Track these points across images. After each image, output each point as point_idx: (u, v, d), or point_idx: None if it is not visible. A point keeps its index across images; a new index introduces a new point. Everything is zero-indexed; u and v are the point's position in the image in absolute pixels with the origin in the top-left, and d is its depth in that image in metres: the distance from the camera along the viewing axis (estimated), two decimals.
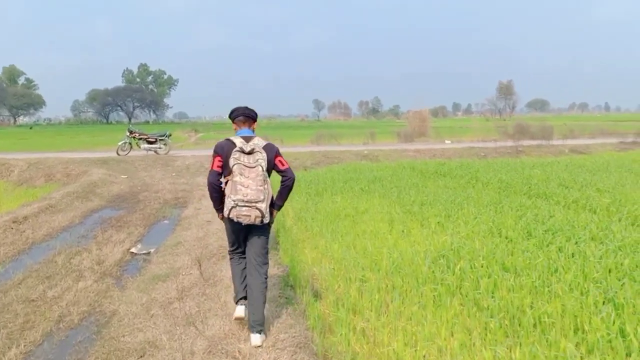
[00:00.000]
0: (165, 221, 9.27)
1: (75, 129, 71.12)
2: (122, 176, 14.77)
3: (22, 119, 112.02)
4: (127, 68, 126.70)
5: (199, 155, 18.15)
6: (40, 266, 6.16)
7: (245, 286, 4.02)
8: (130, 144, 18.21)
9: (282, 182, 3.91)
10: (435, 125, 44.90)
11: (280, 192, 3.93)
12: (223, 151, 3.80)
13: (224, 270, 5.73)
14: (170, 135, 18.89)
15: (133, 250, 7.12)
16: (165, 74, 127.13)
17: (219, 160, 3.81)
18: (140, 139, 18.19)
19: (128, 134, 18.24)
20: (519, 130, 24.07)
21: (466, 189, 9.80)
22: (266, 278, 3.98)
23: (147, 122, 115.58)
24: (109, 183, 13.56)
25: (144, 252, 7.03)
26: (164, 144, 18.40)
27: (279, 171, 3.91)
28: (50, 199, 10.71)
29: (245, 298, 4.04)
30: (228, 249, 4.22)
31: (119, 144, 18.26)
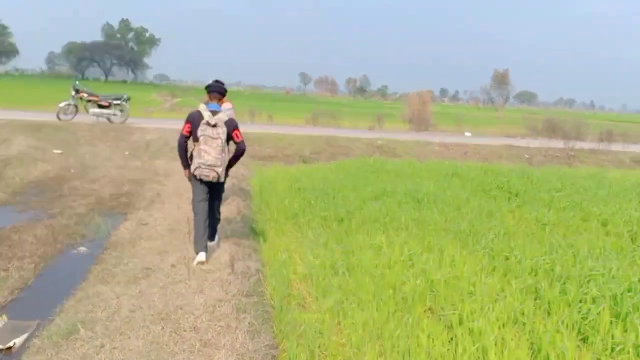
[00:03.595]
0: (82, 249, 5.49)
1: (46, 82, 65.55)
2: (56, 151, 10.80)
3: None
4: (107, 22, 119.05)
5: (165, 128, 14.15)
6: None
7: (206, 238, 4.93)
8: (76, 106, 13.94)
9: (236, 150, 4.98)
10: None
11: (233, 158, 5.00)
12: (194, 120, 4.77)
13: None
14: (129, 99, 14.56)
15: None
16: (148, 32, 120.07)
17: (189, 127, 4.81)
18: (90, 101, 13.92)
19: (74, 93, 13.87)
20: (549, 126, 20.66)
21: (578, 230, 6.19)
22: (219, 218, 5.38)
23: (125, 82, 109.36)
24: (31, 161, 9.62)
25: None
26: (121, 110, 14.20)
27: (235, 142, 4.93)
28: None
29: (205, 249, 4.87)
30: (193, 199, 5.03)
31: (61, 105, 13.98)
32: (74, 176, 9.14)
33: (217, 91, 4.91)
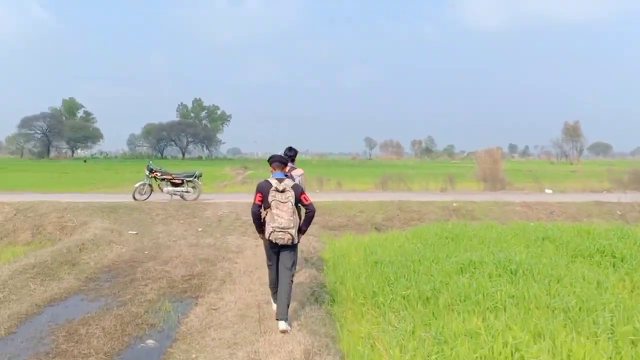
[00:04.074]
0: (149, 341, 5.16)
1: (126, 163, 69.96)
2: (131, 232, 10.94)
3: (80, 152, 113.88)
4: (181, 103, 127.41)
5: (237, 202, 14.17)
6: None
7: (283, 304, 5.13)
8: (150, 185, 14.43)
9: (306, 213, 5.29)
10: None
11: (304, 221, 5.33)
12: (263, 190, 5.22)
13: None
14: (200, 175, 14.88)
15: None
16: (219, 109, 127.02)
17: (260, 196, 5.23)
18: (163, 179, 14.34)
19: (147, 172, 14.37)
20: (636, 178, 18.94)
21: None
22: (292, 280, 5.31)
23: (200, 158, 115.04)
24: (105, 244, 9.73)
25: None
26: (193, 187, 14.48)
27: (303, 205, 5.24)
28: None
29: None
30: (267, 262, 5.58)
31: (136, 185, 14.47)
32: (147, 257, 9.10)
33: (277, 161, 5.40)
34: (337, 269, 7.54)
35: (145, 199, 14.10)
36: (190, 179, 14.39)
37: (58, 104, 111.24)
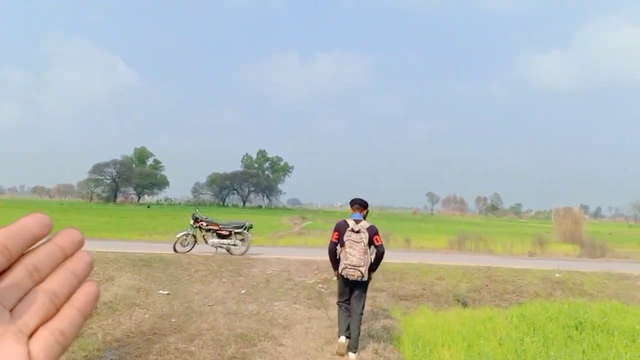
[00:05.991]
0: None
1: (190, 209, 70.43)
2: (161, 291, 9.13)
3: (146, 198, 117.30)
4: (246, 153, 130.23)
5: (290, 259, 12.14)
6: None
7: (348, 326, 5.73)
8: (194, 236, 12.62)
9: (376, 253, 5.68)
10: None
11: (375, 260, 5.68)
12: (340, 228, 5.70)
13: None
14: (251, 227, 12.88)
15: None
16: (282, 160, 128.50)
17: (337, 235, 5.71)
18: (209, 230, 12.51)
19: (192, 222, 12.60)
20: None
21: None
22: (362, 314, 5.82)
23: (260, 207, 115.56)
24: (126, 307, 7.94)
25: None
26: (242, 240, 12.49)
27: (374, 245, 5.64)
28: None
29: (346, 335, 5.71)
30: (337, 300, 6.02)
31: (178, 235, 12.65)
32: (172, 328, 7.18)
33: (357, 203, 5.91)
34: None
35: (187, 252, 12.34)
36: (239, 230, 12.52)
37: (130, 153, 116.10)
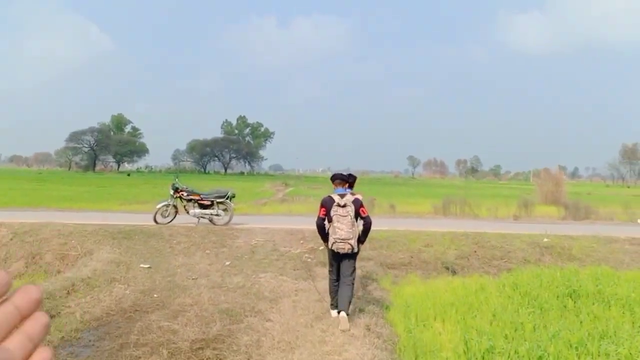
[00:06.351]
0: None
1: (170, 177, 69.57)
2: (142, 265, 8.80)
3: (126, 166, 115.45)
4: (226, 120, 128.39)
5: (275, 228, 11.85)
6: None
7: (337, 301, 5.85)
8: (175, 206, 12.18)
9: (363, 225, 5.83)
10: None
11: (362, 232, 5.85)
12: (327, 204, 5.83)
13: None
14: (233, 196, 12.51)
15: None
16: (262, 126, 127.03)
17: (324, 211, 5.82)
18: (190, 200, 12.06)
19: (172, 192, 12.08)
20: None
21: None
22: (353, 283, 5.92)
23: (242, 173, 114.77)
24: (105, 283, 7.61)
25: None
26: (224, 210, 12.13)
27: (361, 217, 5.82)
28: None
29: (337, 306, 5.87)
30: (328, 269, 6.26)
31: (159, 206, 12.15)
32: (154, 304, 6.89)
33: (339, 178, 6.09)
34: (417, 349, 5.05)
35: (168, 223, 11.95)
36: (222, 200, 12.13)
37: (107, 120, 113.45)
